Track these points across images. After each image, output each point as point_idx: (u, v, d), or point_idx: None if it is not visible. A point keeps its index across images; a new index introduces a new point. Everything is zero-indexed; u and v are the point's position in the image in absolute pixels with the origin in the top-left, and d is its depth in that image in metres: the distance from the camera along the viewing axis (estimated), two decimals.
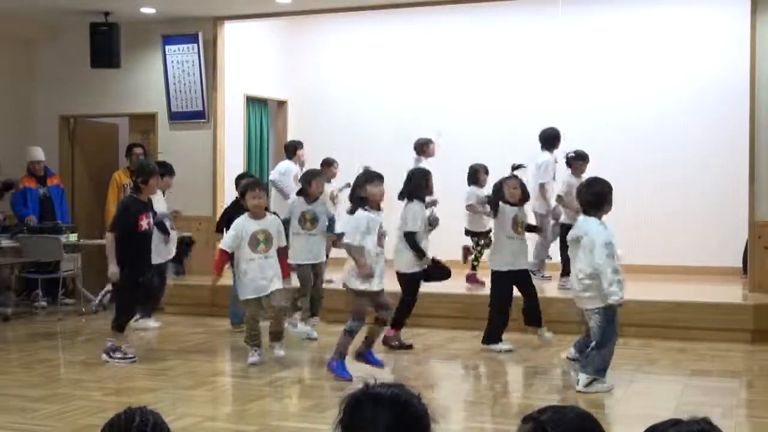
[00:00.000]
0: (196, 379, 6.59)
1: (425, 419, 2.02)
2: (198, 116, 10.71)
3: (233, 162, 11.02)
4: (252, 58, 11.64)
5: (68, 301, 10.19)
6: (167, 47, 10.68)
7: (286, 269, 7.20)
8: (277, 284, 7.01)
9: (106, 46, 10.26)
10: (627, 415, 5.37)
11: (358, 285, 6.41)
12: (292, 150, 10.42)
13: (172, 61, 10.68)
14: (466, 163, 11.34)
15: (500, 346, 7.52)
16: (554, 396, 6.04)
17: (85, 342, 8.21)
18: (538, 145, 9.94)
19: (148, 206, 7.27)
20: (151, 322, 8.85)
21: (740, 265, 9.91)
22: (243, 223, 7.05)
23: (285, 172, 10.14)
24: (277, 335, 7.23)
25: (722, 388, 6.40)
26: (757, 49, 8.73)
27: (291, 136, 12.41)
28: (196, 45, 10.54)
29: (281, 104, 12.44)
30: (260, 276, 6.99)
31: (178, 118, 10.81)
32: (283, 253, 7.19)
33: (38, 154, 10.33)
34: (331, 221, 8.37)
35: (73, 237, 9.71)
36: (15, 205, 10.20)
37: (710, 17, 10.82)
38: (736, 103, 9.73)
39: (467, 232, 9.68)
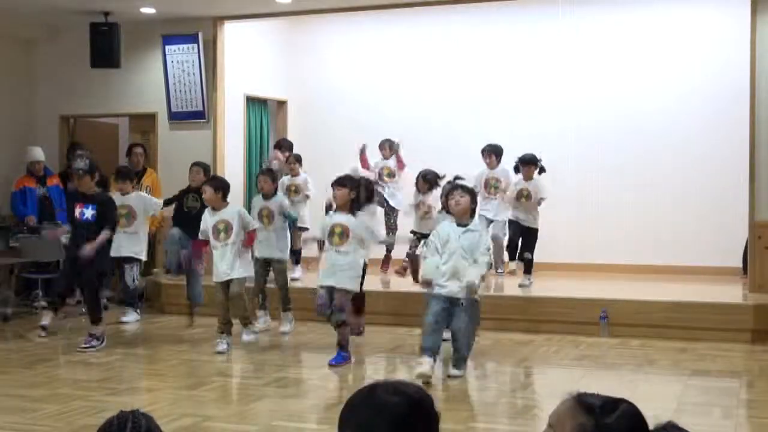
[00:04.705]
0: (196, 379, 6.59)
1: (433, 415, 2.01)
2: (198, 116, 10.71)
3: (233, 162, 11.02)
4: (252, 58, 11.63)
5: (68, 301, 10.16)
6: (167, 47, 10.68)
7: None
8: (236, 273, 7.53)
9: (106, 46, 10.26)
10: None
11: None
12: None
13: (172, 61, 10.68)
14: (466, 161, 11.36)
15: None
16: (553, 396, 6.04)
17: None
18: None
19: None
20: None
21: (740, 265, 9.90)
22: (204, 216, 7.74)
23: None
24: (242, 321, 7.69)
25: (722, 388, 6.40)
26: (757, 49, 8.73)
27: (291, 136, 12.40)
28: (196, 45, 10.54)
29: (281, 104, 12.43)
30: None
31: (178, 118, 10.81)
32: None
33: (38, 154, 10.33)
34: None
35: None
36: (14, 205, 10.20)
37: (710, 17, 10.81)
38: (736, 103, 9.74)
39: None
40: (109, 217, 7.88)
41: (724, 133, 10.45)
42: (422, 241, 9.68)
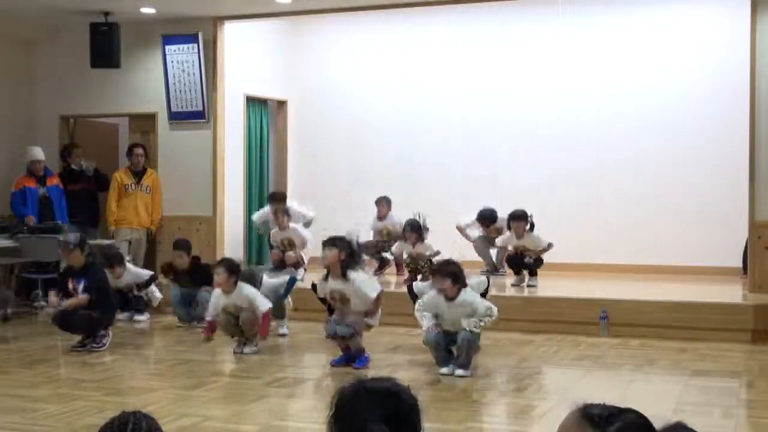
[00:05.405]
0: (196, 379, 6.59)
1: (416, 409, 2.04)
2: (198, 116, 10.71)
3: (233, 162, 11.02)
4: (252, 58, 11.62)
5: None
6: (167, 47, 10.68)
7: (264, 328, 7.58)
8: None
9: (106, 46, 10.25)
10: None
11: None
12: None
13: (172, 61, 10.68)
14: (466, 161, 11.37)
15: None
16: (553, 396, 6.05)
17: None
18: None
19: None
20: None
21: (740, 265, 9.91)
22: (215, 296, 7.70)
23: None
24: (249, 336, 7.61)
25: (722, 388, 6.40)
26: (757, 49, 8.72)
27: (291, 136, 12.42)
28: (196, 45, 10.54)
29: (281, 104, 12.43)
30: None
31: (178, 118, 10.80)
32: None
33: (38, 153, 10.33)
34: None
35: None
36: (14, 205, 10.20)
37: (710, 17, 10.82)
38: (736, 103, 9.74)
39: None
40: (105, 286, 7.95)
41: (724, 133, 10.45)
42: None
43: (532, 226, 9.55)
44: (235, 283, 7.56)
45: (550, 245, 9.51)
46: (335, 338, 7.10)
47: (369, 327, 7.17)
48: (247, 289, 7.62)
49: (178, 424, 5.20)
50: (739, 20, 9.55)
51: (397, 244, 10.18)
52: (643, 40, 11.03)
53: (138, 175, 10.53)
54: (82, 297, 7.74)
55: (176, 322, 9.06)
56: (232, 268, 7.60)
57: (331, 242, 6.97)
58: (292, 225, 9.93)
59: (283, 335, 8.33)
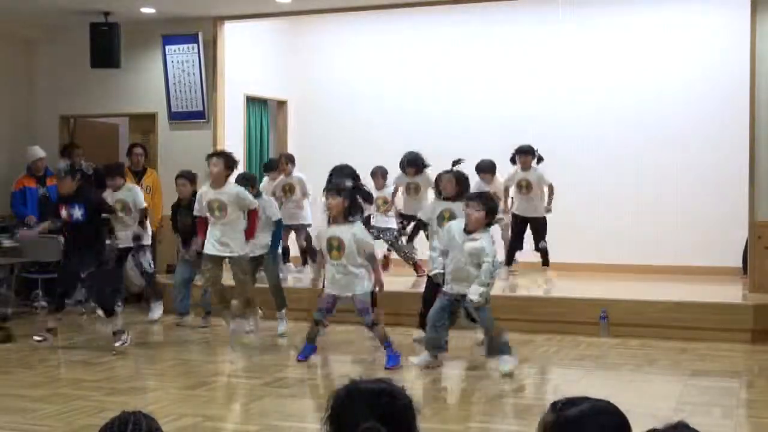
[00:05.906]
0: (196, 379, 6.59)
1: (411, 410, 2.06)
2: (198, 116, 10.71)
3: None
4: (252, 58, 11.63)
5: (68, 301, 10.15)
6: (167, 47, 10.68)
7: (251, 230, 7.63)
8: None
9: (106, 46, 10.25)
10: (626, 415, 5.34)
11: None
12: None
13: (172, 61, 10.68)
14: (466, 162, 11.32)
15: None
16: (553, 396, 6.04)
17: (85, 342, 8.21)
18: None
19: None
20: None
21: (740, 265, 9.91)
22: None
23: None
24: (242, 305, 7.68)
25: (722, 388, 6.40)
26: (757, 49, 8.72)
27: (291, 136, 12.42)
28: (196, 45, 10.54)
29: (281, 104, 12.43)
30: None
31: (178, 118, 10.81)
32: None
33: (38, 152, 10.34)
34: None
35: None
36: (14, 205, 10.20)
37: (710, 17, 10.81)
38: (736, 103, 9.73)
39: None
40: (101, 208, 7.82)
41: (724, 133, 10.45)
42: (408, 227, 9.83)
43: (540, 159, 9.49)
44: (227, 178, 7.49)
45: (552, 187, 9.46)
46: (321, 324, 7.07)
47: (375, 294, 7.04)
48: (237, 187, 7.57)
49: (178, 424, 5.20)
50: (739, 20, 9.55)
51: (396, 177, 10.03)
52: (643, 41, 11.03)
53: (138, 175, 10.51)
54: (45, 224, 8.06)
55: (177, 321, 9.05)
56: (229, 162, 7.52)
57: (336, 191, 6.95)
58: (295, 174, 10.03)
59: (282, 335, 8.33)
